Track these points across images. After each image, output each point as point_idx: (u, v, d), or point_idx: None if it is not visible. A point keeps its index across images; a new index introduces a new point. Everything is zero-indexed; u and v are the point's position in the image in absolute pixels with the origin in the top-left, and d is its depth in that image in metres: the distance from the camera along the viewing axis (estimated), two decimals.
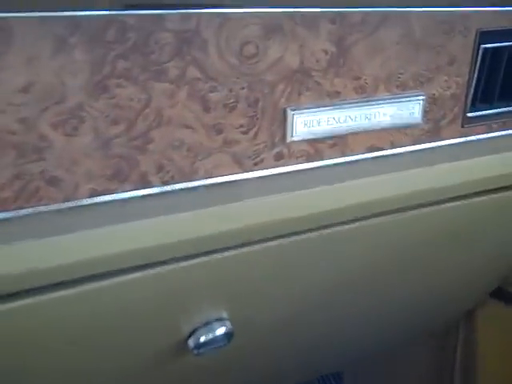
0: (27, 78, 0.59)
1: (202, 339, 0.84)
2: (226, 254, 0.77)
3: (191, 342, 0.84)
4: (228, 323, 0.85)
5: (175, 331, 0.83)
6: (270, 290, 0.85)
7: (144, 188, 0.68)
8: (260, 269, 0.81)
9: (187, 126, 0.68)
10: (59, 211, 0.65)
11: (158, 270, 0.73)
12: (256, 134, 0.72)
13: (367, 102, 0.78)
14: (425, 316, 1.26)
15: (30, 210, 0.64)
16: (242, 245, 0.77)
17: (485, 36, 0.82)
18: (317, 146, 0.77)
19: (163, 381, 0.94)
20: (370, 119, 0.79)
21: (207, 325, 0.84)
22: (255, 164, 0.74)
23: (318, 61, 0.73)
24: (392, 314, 1.17)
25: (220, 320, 0.85)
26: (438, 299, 1.19)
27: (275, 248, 0.79)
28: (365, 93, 0.77)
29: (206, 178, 0.71)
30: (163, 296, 0.77)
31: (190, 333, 0.84)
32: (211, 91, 0.68)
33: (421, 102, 0.81)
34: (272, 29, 0.69)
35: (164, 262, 0.73)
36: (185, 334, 0.84)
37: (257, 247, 0.78)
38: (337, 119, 0.76)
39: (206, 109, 0.68)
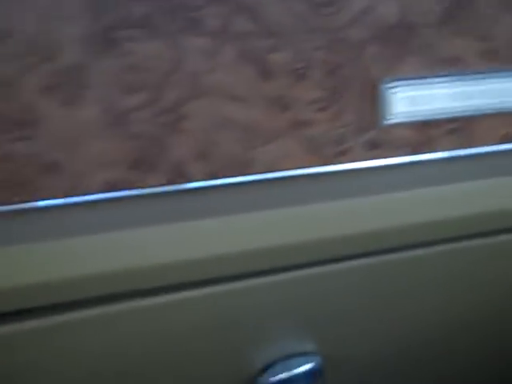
0: (2, 24, 0.41)
1: (280, 377, 0.62)
2: (307, 271, 0.55)
3: (264, 380, 0.62)
4: (315, 358, 0.62)
5: (246, 365, 0.62)
6: (367, 319, 0.61)
7: (178, 182, 0.48)
8: (355, 290, 0.58)
9: (238, 98, 0.47)
10: (62, 208, 0.47)
11: (219, 287, 0.53)
12: (338, 113, 0.49)
13: (500, 72, 0.53)
14: None
15: (20, 206, 0.45)
16: (324, 261, 0.55)
17: None
18: (428, 133, 0.52)
19: None
20: (506, 96, 0.53)
21: (287, 359, 0.62)
22: (339, 154, 0.51)
23: (426, 13, 0.49)
24: None
25: (304, 354, 0.62)
26: None
27: (370, 266, 0.55)
28: (496, 60, 0.52)
29: (268, 172, 0.50)
30: (228, 319, 0.56)
31: (264, 368, 0.62)
32: (271, 51, 0.47)
33: None
34: None
35: (225, 279, 0.53)
36: (256, 370, 0.62)
37: (346, 265, 0.55)
38: (456, 95, 0.52)
39: (265, 75, 0.47)
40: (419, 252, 0.55)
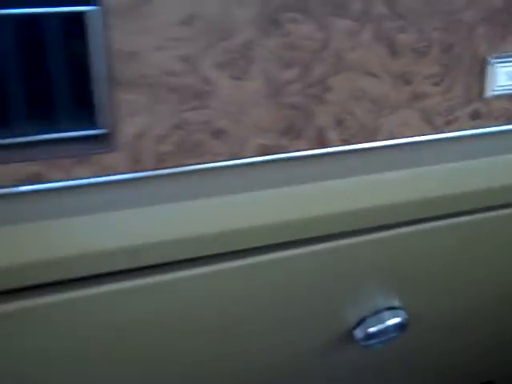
0: (190, 8, 0.46)
1: (372, 329, 0.68)
2: (400, 230, 0.61)
3: (361, 332, 0.68)
4: (402, 312, 0.68)
5: (340, 319, 0.68)
6: (451, 276, 0.68)
7: (320, 147, 0.54)
8: (440, 249, 0.64)
9: (371, 73, 0.53)
10: (224, 170, 0.52)
11: (321, 246, 0.58)
12: (449, 87, 0.56)
13: None
14: None
15: (190, 168, 0.51)
16: (418, 221, 0.61)
17: None
18: None
19: (323, 374, 0.78)
20: None
21: (377, 313, 0.68)
22: (447, 123, 0.57)
23: None
24: None
25: (392, 309, 0.69)
26: None
27: (459, 226, 0.62)
28: None
29: (390, 139, 0.56)
30: (325, 277, 0.62)
31: (358, 322, 0.68)
32: (399, 32, 0.53)
33: None
34: None
35: (325, 238, 0.58)
36: (350, 323, 0.68)
37: (435, 225, 0.62)
38: None
39: (393, 53, 0.53)
40: (506, 212, 0.62)
